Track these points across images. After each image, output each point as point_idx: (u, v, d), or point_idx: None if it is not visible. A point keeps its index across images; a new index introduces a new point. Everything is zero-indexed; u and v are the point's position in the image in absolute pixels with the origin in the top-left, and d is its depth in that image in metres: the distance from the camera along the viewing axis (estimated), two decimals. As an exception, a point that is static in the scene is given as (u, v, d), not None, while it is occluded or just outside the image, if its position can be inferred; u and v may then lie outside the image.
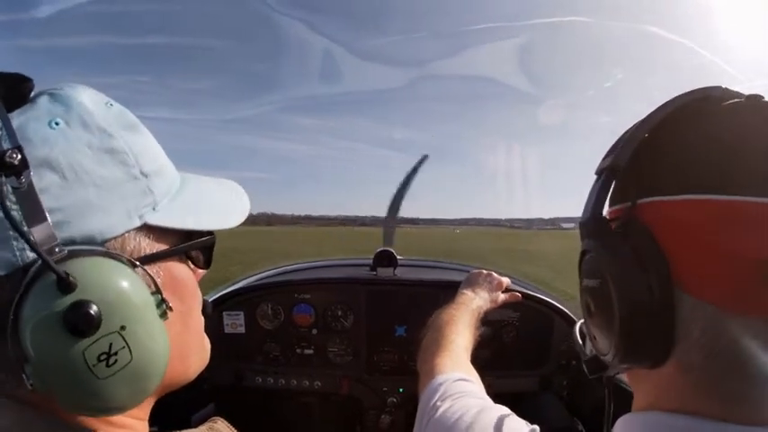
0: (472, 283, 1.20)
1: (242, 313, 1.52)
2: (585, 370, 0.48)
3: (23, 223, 0.34)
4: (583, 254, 0.45)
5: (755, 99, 0.39)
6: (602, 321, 0.42)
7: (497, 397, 0.69)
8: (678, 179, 0.38)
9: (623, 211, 0.42)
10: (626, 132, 0.44)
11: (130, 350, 0.36)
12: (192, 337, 0.48)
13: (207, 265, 0.50)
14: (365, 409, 1.56)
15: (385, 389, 1.53)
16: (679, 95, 0.42)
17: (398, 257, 1.63)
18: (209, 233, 0.48)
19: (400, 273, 1.61)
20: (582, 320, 0.51)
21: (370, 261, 1.64)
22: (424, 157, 1.91)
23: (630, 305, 0.38)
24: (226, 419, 0.58)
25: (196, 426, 0.52)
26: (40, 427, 0.38)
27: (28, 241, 0.33)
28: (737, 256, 0.34)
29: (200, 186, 0.51)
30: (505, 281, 1.21)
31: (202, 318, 0.50)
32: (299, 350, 1.54)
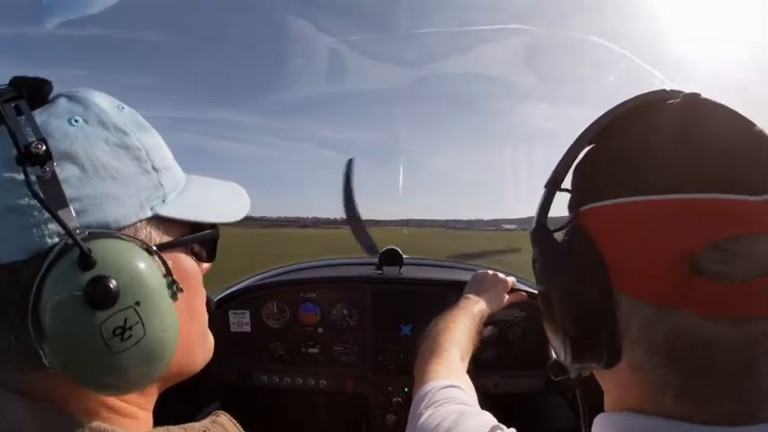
0: (476, 285, 1.20)
1: (248, 312, 1.53)
2: (549, 374, 0.50)
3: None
4: (533, 262, 0.47)
5: (686, 98, 0.41)
6: (553, 326, 0.44)
7: (503, 397, 0.69)
8: (607, 185, 0.41)
9: (569, 220, 0.44)
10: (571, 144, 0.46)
11: (144, 325, 0.39)
12: (196, 327, 0.50)
13: (210, 258, 0.53)
14: (371, 408, 1.56)
15: (390, 388, 1.52)
16: (615, 106, 0.43)
17: (404, 256, 1.63)
18: (213, 227, 0.52)
19: (406, 271, 1.61)
20: None
21: (377, 260, 1.64)
22: (350, 161, 1.92)
23: (573, 309, 0.41)
24: (225, 412, 0.58)
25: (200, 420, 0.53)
26: (48, 420, 0.39)
27: (57, 219, 0.36)
28: (661, 252, 0.36)
29: (204, 184, 0.54)
30: (511, 280, 1.20)
31: (206, 313, 0.53)
32: (304, 349, 1.54)
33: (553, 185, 0.46)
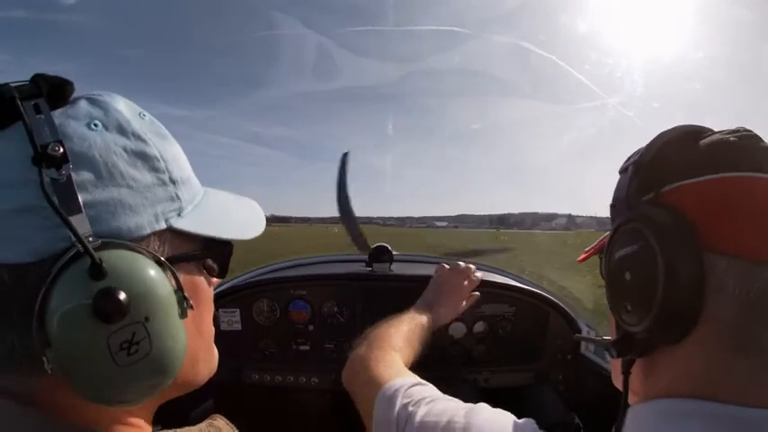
0: (433, 291, 1.19)
1: (238, 310, 1.52)
2: (611, 353, 0.51)
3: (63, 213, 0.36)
4: (615, 230, 0.49)
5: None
6: (637, 290, 0.45)
7: (494, 391, 0.69)
8: (697, 166, 0.45)
9: (648, 200, 0.47)
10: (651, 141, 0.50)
11: (151, 342, 0.38)
12: (203, 342, 0.50)
13: (222, 274, 0.52)
14: None
15: None
16: (687, 125, 0.49)
17: (395, 253, 1.63)
18: (227, 243, 0.51)
19: (396, 268, 1.61)
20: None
21: (367, 257, 1.64)
22: (345, 155, 1.90)
23: (665, 269, 0.42)
24: (225, 416, 0.58)
25: (195, 423, 0.53)
26: (46, 427, 0.38)
27: (68, 225, 0.35)
28: (759, 210, 0.41)
29: (221, 199, 0.54)
30: (476, 280, 1.21)
31: (213, 328, 0.52)
32: (295, 346, 1.54)
33: (638, 165, 0.49)
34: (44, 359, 0.35)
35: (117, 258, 0.37)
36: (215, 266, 0.51)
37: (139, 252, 0.39)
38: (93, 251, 0.35)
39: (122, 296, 0.36)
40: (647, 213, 0.45)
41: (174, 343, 0.40)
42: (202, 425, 0.53)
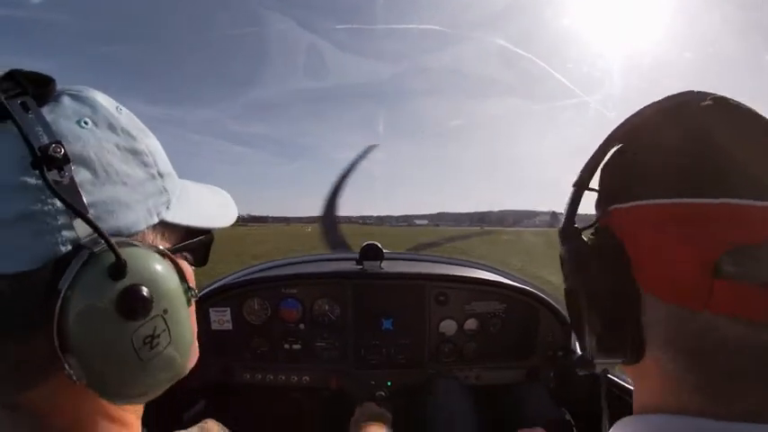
0: None
1: (228, 309, 1.51)
2: (576, 367, 0.50)
3: (63, 216, 0.35)
4: (561, 260, 0.47)
5: (716, 101, 0.41)
6: (579, 322, 0.45)
7: (486, 388, 0.70)
8: (633, 186, 0.41)
9: (597, 220, 0.45)
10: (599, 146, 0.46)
11: (170, 333, 0.39)
12: (193, 328, 0.50)
13: (203, 262, 0.53)
14: (354, 403, 1.56)
15: (373, 382, 1.53)
16: (645, 106, 0.43)
17: (385, 251, 1.63)
18: (208, 231, 0.51)
19: (386, 266, 1.61)
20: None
21: (357, 255, 1.64)
22: (364, 153, 1.90)
23: (599, 307, 0.42)
24: (216, 417, 0.59)
25: (187, 426, 0.53)
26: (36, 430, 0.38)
27: (92, 225, 0.34)
28: (686, 255, 0.36)
29: (195, 189, 0.54)
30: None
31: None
32: (286, 345, 1.53)
33: (581, 185, 0.46)
34: (65, 365, 0.35)
35: (131, 256, 0.37)
36: (196, 255, 0.51)
37: (147, 247, 0.39)
38: (118, 251, 0.35)
39: (145, 292, 0.36)
40: (576, 251, 0.44)
41: (187, 331, 0.42)
42: (194, 429, 0.53)
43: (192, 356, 0.48)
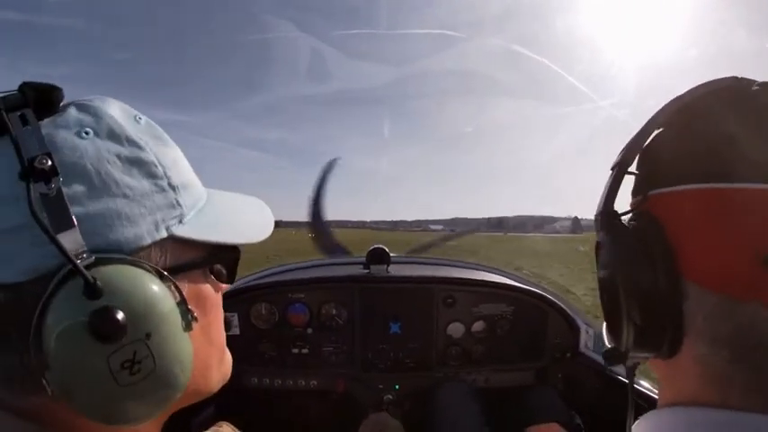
0: None
1: (236, 314, 1.51)
2: (603, 360, 0.48)
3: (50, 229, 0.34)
4: (597, 246, 0.46)
5: (761, 86, 0.39)
6: (614, 312, 0.43)
7: (494, 391, 0.69)
8: (680, 169, 0.39)
9: (636, 204, 0.43)
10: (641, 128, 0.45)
11: (154, 359, 0.36)
12: (214, 350, 0.48)
13: (230, 279, 0.50)
14: (362, 407, 1.56)
15: (381, 386, 1.53)
16: (690, 90, 0.42)
17: (392, 255, 1.63)
18: (234, 247, 0.49)
19: (393, 270, 1.61)
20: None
21: (364, 259, 1.64)
22: (332, 162, 1.90)
23: (638, 297, 0.39)
24: (226, 421, 0.58)
25: (200, 430, 0.53)
26: None
27: (56, 244, 0.33)
28: (735, 243, 0.35)
29: (226, 201, 0.51)
30: None
31: (224, 334, 0.51)
32: (294, 350, 1.54)
33: (621, 167, 0.44)
34: (44, 381, 0.34)
35: (113, 275, 0.35)
36: (223, 272, 0.49)
37: (138, 266, 0.37)
38: (84, 270, 0.33)
39: (119, 315, 0.34)
40: (615, 238, 0.42)
41: (179, 358, 0.39)
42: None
43: (205, 374, 0.47)
